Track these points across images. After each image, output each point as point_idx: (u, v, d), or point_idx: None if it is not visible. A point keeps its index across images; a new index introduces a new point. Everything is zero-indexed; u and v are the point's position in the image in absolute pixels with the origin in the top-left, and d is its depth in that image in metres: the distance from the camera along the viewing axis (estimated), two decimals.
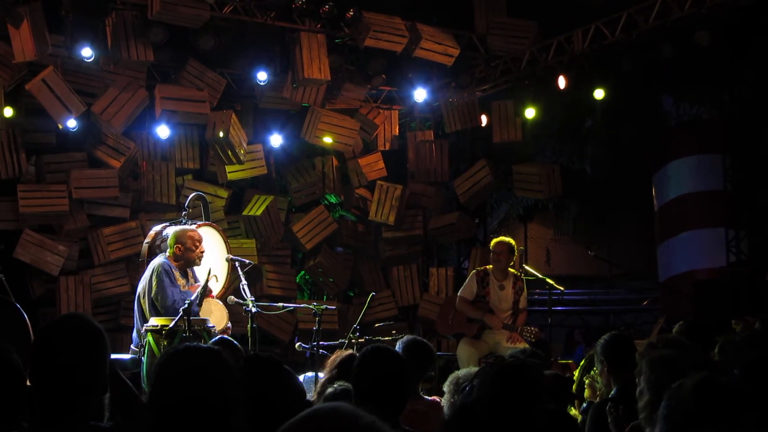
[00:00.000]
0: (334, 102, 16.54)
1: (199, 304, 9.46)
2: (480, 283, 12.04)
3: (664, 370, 4.67)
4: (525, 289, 12.11)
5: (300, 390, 4.35)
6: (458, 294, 12.36)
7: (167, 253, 10.07)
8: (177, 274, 9.87)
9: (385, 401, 4.83)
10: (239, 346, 6.84)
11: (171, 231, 10.31)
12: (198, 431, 3.33)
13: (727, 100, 17.90)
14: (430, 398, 6.68)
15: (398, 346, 6.66)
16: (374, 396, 4.82)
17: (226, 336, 6.91)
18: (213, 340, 6.76)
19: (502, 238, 12.58)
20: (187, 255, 10.00)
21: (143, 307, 9.78)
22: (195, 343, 3.51)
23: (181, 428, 3.33)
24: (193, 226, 10.60)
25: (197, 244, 10.07)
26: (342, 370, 6.63)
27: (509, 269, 12.11)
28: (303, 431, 2.18)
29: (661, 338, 5.97)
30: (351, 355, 6.80)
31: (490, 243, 12.72)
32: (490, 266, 12.19)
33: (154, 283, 9.70)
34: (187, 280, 9.99)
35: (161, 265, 9.81)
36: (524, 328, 11.62)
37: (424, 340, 6.96)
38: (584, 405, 6.89)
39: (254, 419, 3.92)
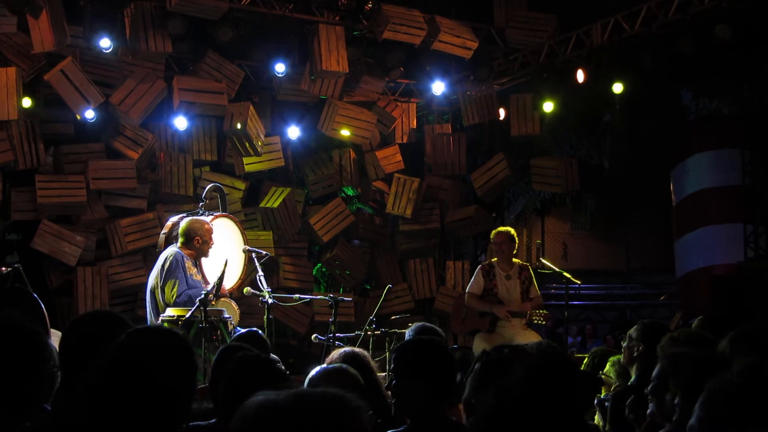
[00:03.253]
0: (351, 94, 16.53)
1: (216, 295, 9.45)
2: (486, 276, 11.99)
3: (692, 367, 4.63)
4: (533, 278, 12.05)
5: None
6: (466, 291, 12.33)
7: (178, 243, 10.05)
8: (189, 264, 9.86)
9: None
10: (267, 339, 6.82)
11: (184, 222, 10.29)
12: (137, 410, 3.29)
13: (746, 94, 17.79)
14: None
15: (408, 333, 6.70)
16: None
17: (255, 329, 6.88)
18: (243, 331, 6.73)
19: (500, 228, 12.57)
20: (203, 248, 10.02)
21: (157, 299, 9.77)
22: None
23: (121, 404, 3.29)
24: (210, 218, 10.60)
25: (211, 237, 10.12)
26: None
27: (514, 259, 12.08)
28: (295, 412, 2.19)
29: (683, 332, 5.92)
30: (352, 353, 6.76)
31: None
32: (495, 259, 12.17)
33: (166, 272, 9.69)
34: (198, 270, 9.98)
35: (174, 255, 9.80)
36: (533, 312, 11.60)
37: (434, 326, 6.97)
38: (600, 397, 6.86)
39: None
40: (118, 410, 3.26)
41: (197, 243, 9.97)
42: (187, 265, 9.83)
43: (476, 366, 4.81)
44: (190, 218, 10.37)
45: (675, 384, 4.45)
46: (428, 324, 7.07)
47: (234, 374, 4.22)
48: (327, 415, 2.21)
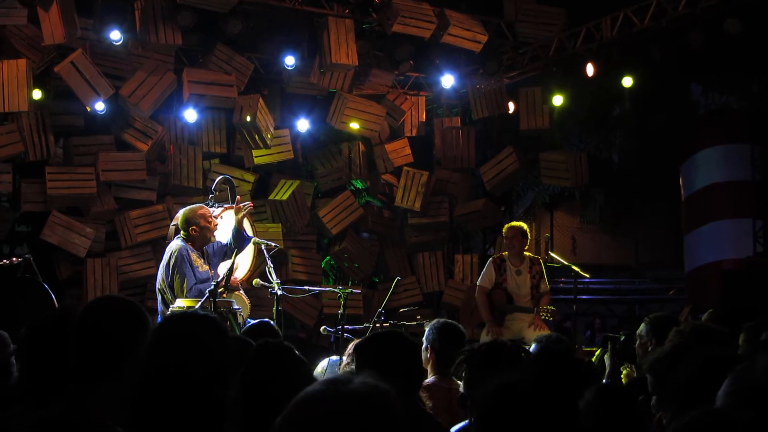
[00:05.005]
0: (361, 87, 16.53)
1: (225, 286, 9.45)
2: (497, 270, 12.03)
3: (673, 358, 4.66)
4: (544, 272, 12.06)
5: (309, 378, 4.32)
6: (477, 284, 12.36)
7: (181, 235, 9.98)
8: (194, 256, 9.81)
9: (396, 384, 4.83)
10: (278, 330, 6.83)
11: (180, 213, 10.23)
12: (182, 397, 3.33)
13: (756, 89, 17.77)
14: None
15: (429, 329, 6.66)
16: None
17: (266, 319, 6.89)
18: (255, 322, 6.75)
19: (513, 222, 12.59)
20: (203, 234, 9.91)
21: (165, 292, 9.76)
22: (194, 311, 3.52)
23: (165, 393, 3.33)
24: (219, 209, 10.58)
25: (210, 219, 9.95)
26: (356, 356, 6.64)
27: (525, 253, 12.10)
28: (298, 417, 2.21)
29: (689, 324, 5.93)
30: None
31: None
32: (506, 252, 12.19)
33: (171, 269, 9.65)
34: (205, 260, 9.94)
35: (179, 250, 9.71)
36: (540, 308, 11.61)
37: (455, 323, 6.95)
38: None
39: (261, 405, 3.92)
40: (161, 400, 3.31)
41: (194, 232, 9.87)
42: (193, 258, 9.76)
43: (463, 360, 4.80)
44: (184, 209, 10.28)
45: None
46: (450, 321, 7.04)
47: (255, 361, 4.23)
48: (371, 409, 2.22)
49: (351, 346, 7.06)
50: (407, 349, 5.03)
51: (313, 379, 4.17)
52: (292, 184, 15.98)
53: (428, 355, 6.53)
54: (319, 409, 2.20)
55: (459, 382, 6.56)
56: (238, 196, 10.53)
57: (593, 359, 7.95)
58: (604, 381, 6.80)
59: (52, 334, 4.08)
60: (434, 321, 6.91)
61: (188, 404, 3.34)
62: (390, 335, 5.24)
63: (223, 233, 10.40)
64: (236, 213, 10.14)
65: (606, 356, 6.92)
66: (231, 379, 3.57)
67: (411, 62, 15.95)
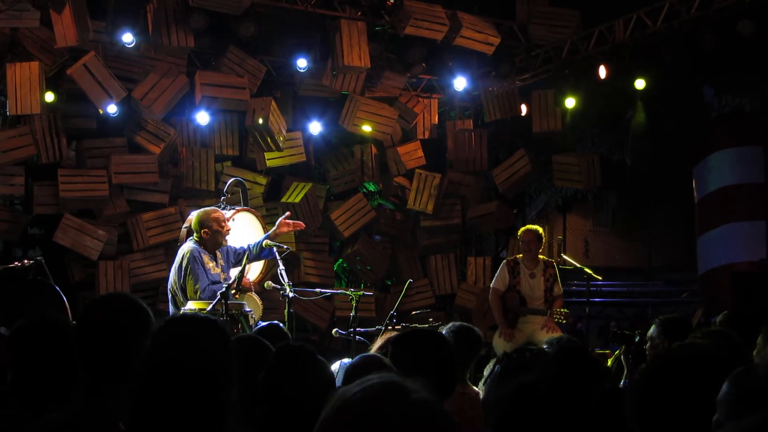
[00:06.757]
0: (373, 90, 16.53)
1: (237, 288, 9.44)
2: (511, 272, 12.03)
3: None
4: (558, 276, 12.04)
5: (329, 381, 4.31)
6: (491, 286, 12.35)
7: (193, 238, 9.97)
8: (206, 258, 9.80)
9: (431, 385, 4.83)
10: (288, 332, 6.81)
11: (193, 215, 10.21)
12: (182, 399, 3.31)
13: None
14: (476, 389, 6.63)
15: (445, 332, 6.62)
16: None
17: (276, 322, 6.87)
18: (264, 325, 6.73)
19: (529, 226, 12.58)
20: (215, 238, 9.89)
21: (176, 294, 9.75)
22: (195, 312, 3.50)
23: (165, 395, 3.31)
24: (231, 212, 10.57)
25: (222, 224, 9.92)
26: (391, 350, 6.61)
27: (539, 256, 12.09)
28: (356, 412, 2.17)
29: (707, 331, 5.90)
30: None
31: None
32: (521, 255, 12.18)
33: (184, 270, 9.64)
34: (216, 263, 9.93)
35: (191, 251, 9.70)
36: (554, 311, 11.60)
37: (472, 326, 6.91)
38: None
39: (282, 408, 3.90)
40: (161, 402, 3.30)
41: (206, 235, 9.85)
42: (204, 259, 9.74)
43: (496, 368, 4.77)
44: (198, 211, 10.26)
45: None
46: (465, 324, 7.00)
47: (276, 364, 4.21)
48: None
49: (380, 342, 7.00)
50: (450, 353, 5.05)
51: (333, 383, 4.17)
52: (304, 186, 15.97)
53: None
54: (388, 409, 2.18)
55: (474, 387, 6.55)
56: (288, 212, 10.61)
57: (608, 363, 7.92)
58: (623, 382, 6.79)
59: (36, 339, 4.08)
60: (449, 325, 6.86)
61: (188, 405, 3.32)
62: (435, 335, 5.24)
63: (238, 236, 10.40)
64: (281, 228, 10.16)
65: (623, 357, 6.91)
66: (233, 380, 3.55)
67: (423, 65, 15.96)
